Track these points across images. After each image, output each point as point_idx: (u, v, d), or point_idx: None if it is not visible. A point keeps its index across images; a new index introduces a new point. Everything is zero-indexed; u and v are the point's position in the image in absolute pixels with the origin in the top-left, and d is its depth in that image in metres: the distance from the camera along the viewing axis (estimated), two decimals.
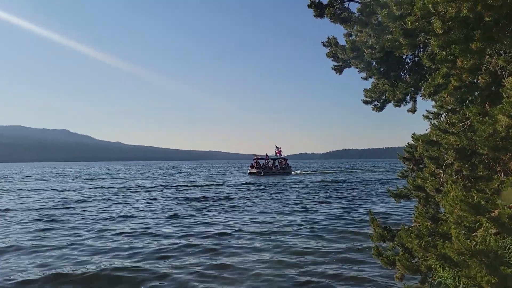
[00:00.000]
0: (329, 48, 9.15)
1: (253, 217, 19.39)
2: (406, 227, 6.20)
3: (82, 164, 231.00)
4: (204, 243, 13.29)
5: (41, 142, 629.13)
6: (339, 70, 8.96)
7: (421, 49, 7.85)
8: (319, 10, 6.26)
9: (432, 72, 5.66)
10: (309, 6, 6.28)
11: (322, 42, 9.20)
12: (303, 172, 78.21)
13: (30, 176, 70.40)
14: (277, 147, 71.13)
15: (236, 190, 36.03)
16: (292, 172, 74.16)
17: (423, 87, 6.10)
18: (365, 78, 8.89)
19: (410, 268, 5.21)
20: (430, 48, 6.22)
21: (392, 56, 7.86)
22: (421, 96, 6.46)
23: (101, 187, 41.94)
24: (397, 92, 7.81)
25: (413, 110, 8.90)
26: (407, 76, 8.50)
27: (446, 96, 5.09)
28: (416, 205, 7.23)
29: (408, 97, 8.62)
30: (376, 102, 8.86)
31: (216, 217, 19.58)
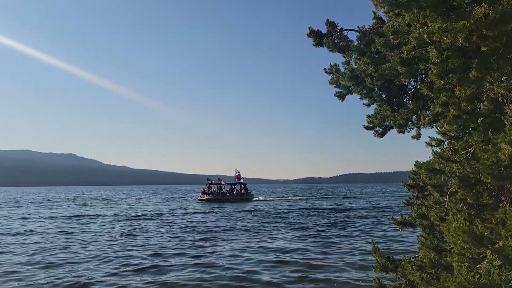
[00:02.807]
0: (331, 75, 9.17)
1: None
2: (408, 258, 6.05)
3: (84, 189, 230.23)
4: None
5: (49, 166, 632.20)
6: (341, 96, 8.96)
7: (423, 76, 7.84)
8: (318, 40, 6.30)
9: (432, 100, 5.63)
10: (309, 35, 6.33)
11: (325, 69, 9.23)
12: (267, 199, 69.75)
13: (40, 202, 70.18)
14: (236, 170, 62.24)
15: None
16: (254, 199, 65.41)
17: (422, 116, 6.05)
18: (367, 105, 8.87)
19: None
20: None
21: (393, 82, 7.85)
22: (421, 124, 6.40)
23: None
24: (398, 118, 7.77)
25: (417, 136, 8.82)
26: (410, 102, 8.47)
27: (445, 125, 5.02)
28: (419, 234, 7.09)
29: (411, 123, 8.57)
30: (378, 128, 8.82)
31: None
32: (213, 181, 61.27)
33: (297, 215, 35.32)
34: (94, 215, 37.32)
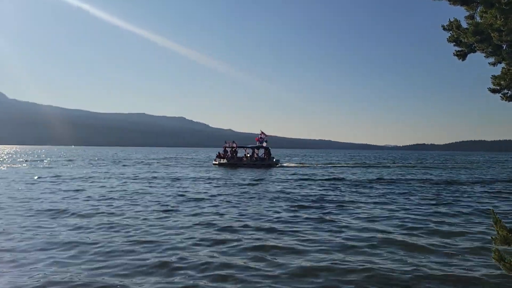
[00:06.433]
0: (450, 32, 8.44)
1: None
2: None
3: (192, 150, 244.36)
4: None
5: (162, 129, 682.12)
6: (462, 55, 8.20)
7: None
8: None
9: None
10: None
11: (443, 26, 8.51)
12: (293, 165, 59.54)
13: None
14: (261, 132, 54.65)
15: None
16: (278, 165, 55.49)
17: None
18: (493, 64, 8.03)
19: None
20: None
21: None
22: None
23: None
24: None
25: None
26: None
27: None
28: None
29: None
30: (506, 91, 7.97)
31: None
32: (228, 145, 54.76)
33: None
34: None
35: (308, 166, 58.69)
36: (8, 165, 51.42)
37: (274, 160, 55.33)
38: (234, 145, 54.16)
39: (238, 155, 54.94)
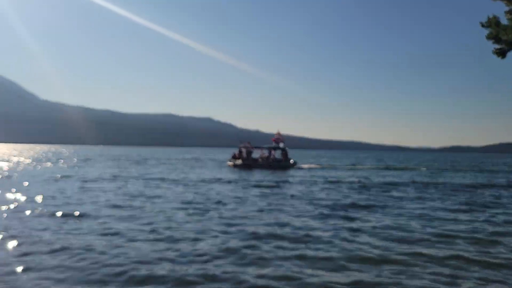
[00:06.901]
0: (489, 29, 7.89)
1: None
2: None
3: (219, 150, 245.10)
4: None
5: (188, 129, 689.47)
6: (501, 53, 7.64)
7: None
8: None
9: None
10: None
11: (481, 23, 7.95)
12: (313, 166, 57.24)
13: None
14: (278, 133, 53.02)
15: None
16: (296, 167, 52.43)
17: None
18: None
19: None
20: None
21: None
22: None
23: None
24: None
25: None
26: None
27: None
28: None
29: None
30: None
31: None
32: (244, 145, 53.19)
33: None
34: None
35: (329, 168, 56.72)
36: (38, 164, 52.55)
37: (292, 161, 52.82)
38: (249, 145, 52.82)
39: (253, 155, 53.14)
